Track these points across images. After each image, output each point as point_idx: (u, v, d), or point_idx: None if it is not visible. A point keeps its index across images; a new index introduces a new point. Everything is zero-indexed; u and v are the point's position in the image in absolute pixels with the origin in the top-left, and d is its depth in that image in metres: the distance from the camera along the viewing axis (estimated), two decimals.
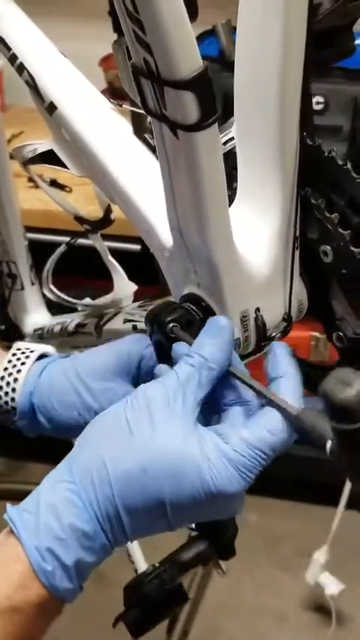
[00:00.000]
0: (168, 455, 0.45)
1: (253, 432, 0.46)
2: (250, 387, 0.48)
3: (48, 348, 0.63)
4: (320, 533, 1.53)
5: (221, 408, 0.49)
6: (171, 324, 0.54)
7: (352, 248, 0.55)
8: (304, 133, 0.56)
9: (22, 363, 0.60)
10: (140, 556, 1.19)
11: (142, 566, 1.19)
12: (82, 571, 0.45)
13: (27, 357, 0.61)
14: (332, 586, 1.52)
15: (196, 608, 1.62)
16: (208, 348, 0.49)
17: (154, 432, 0.45)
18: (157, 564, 0.57)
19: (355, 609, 1.61)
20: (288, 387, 0.48)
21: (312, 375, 0.66)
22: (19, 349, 0.62)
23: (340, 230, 0.55)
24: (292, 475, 1.81)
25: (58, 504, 0.45)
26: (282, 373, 0.49)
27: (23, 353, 0.61)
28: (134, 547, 1.16)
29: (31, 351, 0.61)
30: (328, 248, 0.57)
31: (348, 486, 1.47)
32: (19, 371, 0.60)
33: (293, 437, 0.47)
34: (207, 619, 1.63)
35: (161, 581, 0.55)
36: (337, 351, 0.62)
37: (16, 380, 0.59)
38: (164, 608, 0.57)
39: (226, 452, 0.45)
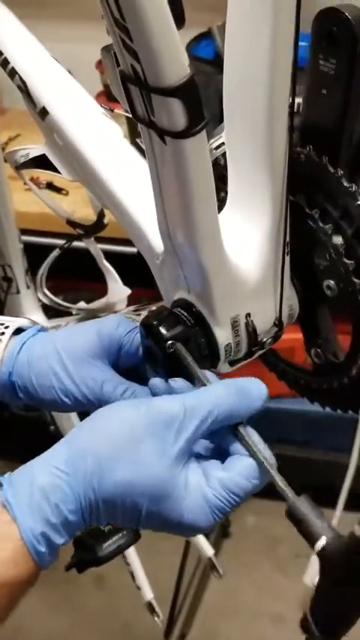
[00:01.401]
0: (159, 481, 0.48)
1: (232, 478, 0.49)
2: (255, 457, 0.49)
3: (23, 322, 0.61)
4: None
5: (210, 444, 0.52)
6: (169, 342, 0.54)
7: (354, 279, 0.54)
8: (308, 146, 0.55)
9: None
10: (136, 559, 1.19)
11: (138, 568, 1.19)
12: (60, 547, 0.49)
13: (2, 333, 0.59)
14: None
15: (194, 610, 1.62)
16: (236, 406, 0.49)
17: (156, 456, 0.48)
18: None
19: None
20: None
21: (299, 378, 0.67)
22: None
23: (345, 259, 0.54)
24: (290, 477, 1.82)
25: (50, 491, 0.47)
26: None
27: None
28: (130, 551, 1.16)
29: (6, 327, 0.59)
30: (332, 283, 0.57)
31: (346, 488, 1.47)
32: None
33: (264, 483, 0.49)
34: (205, 621, 1.63)
35: (118, 547, 0.57)
36: (312, 364, 0.63)
37: None
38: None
39: (206, 494, 0.48)
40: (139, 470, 0.47)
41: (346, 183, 0.54)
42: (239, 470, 0.49)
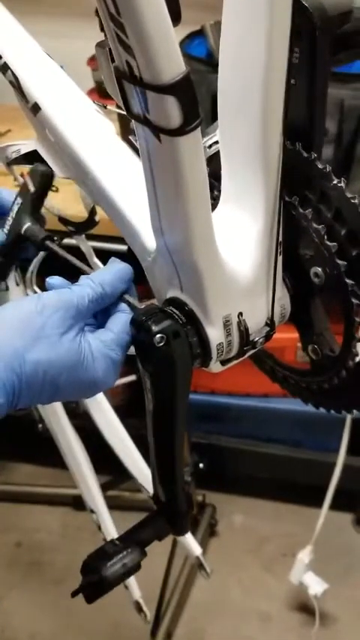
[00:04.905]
0: (71, 353, 0.54)
1: (118, 335, 0.57)
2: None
3: None
4: (304, 533, 1.53)
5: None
6: (158, 335, 0.54)
7: (338, 261, 0.55)
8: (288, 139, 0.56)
9: None
10: None
11: None
12: None
13: None
14: (316, 586, 1.52)
15: (180, 609, 1.61)
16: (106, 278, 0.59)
17: (61, 335, 0.55)
18: (117, 542, 0.59)
19: (339, 609, 1.61)
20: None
21: (291, 379, 0.67)
22: None
23: (327, 242, 0.55)
24: (276, 477, 1.82)
25: None
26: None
27: None
28: None
29: None
30: (319, 270, 0.57)
31: (332, 487, 1.47)
32: None
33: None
34: (191, 620, 1.63)
35: (124, 568, 0.57)
36: (310, 361, 0.63)
37: None
38: (121, 582, 0.59)
39: (108, 354, 0.56)
40: (53, 348, 0.54)
41: (320, 165, 0.54)
42: (120, 329, 0.57)
